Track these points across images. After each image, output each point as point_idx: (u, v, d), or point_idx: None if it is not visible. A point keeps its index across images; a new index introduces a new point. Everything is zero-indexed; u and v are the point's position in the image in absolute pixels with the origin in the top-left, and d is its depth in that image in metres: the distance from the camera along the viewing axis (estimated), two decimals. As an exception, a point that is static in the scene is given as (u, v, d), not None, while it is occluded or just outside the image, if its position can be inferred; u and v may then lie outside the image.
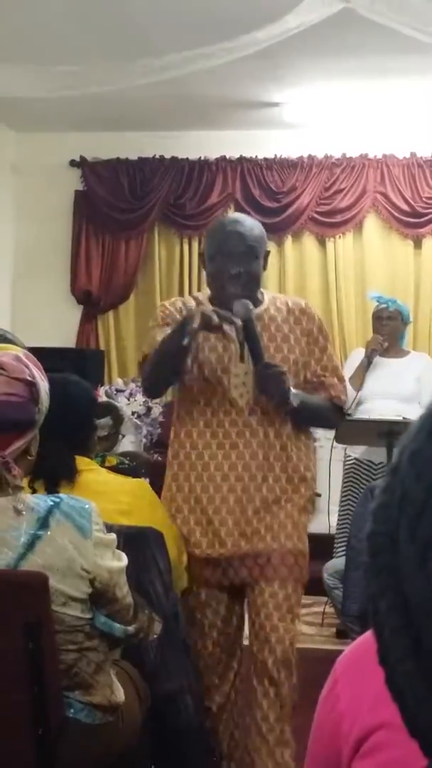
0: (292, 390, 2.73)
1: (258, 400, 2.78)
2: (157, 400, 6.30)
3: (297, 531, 2.82)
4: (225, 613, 2.88)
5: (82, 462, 2.58)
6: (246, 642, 2.95)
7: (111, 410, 3.22)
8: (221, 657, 2.88)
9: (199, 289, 7.05)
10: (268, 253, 2.89)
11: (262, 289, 2.92)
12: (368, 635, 0.97)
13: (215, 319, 2.57)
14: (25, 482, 2.39)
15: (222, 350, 2.81)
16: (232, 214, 3.09)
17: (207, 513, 2.79)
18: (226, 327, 2.68)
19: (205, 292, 2.97)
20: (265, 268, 2.87)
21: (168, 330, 2.74)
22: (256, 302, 2.83)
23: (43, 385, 2.10)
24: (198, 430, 2.82)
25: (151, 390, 2.99)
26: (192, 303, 2.91)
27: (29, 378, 2.05)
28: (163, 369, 2.77)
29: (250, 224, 2.85)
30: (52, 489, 2.46)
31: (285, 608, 2.76)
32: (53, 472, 2.49)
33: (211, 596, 2.86)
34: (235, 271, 2.74)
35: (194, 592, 2.85)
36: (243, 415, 2.79)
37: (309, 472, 2.87)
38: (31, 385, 2.05)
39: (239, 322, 2.68)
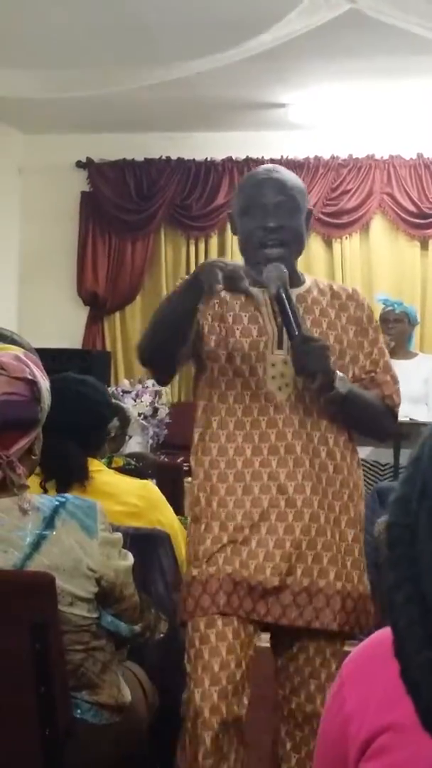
0: (338, 373, 2.24)
1: (301, 395, 2.28)
2: (164, 401, 6.31)
3: (358, 570, 2.30)
4: (236, 648, 2.23)
5: (91, 463, 2.59)
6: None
7: (117, 411, 3.20)
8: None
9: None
10: (310, 213, 2.38)
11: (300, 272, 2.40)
12: (375, 637, 0.97)
13: (242, 276, 2.13)
14: (36, 483, 2.39)
15: (257, 334, 2.30)
16: (266, 165, 2.53)
17: (242, 531, 2.24)
18: (256, 293, 2.28)
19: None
20: (308, 229, 2.36)
21: None
22: (296, 279, 2.34)
23: (44, 383, 2.09)
24: (227, 432, 2.29)
25: (151, 360, 2.37)
26: None
27: (30, 377, 2.04)
28: (165, 334, 2.28)
29: (288, 173, 2.36)
30: (63, 491, 2.46)
31: (326, 674, 2.24)
32: (67, 474, 2.50)
33: (229, 627, 2.23)
34: (274, 224, 2.26)
35: (211, 617, 2.23)
36: (283, 412, 2.27)
37: (362, 488, 2.38)
38: (32, 384, 2.04)
39: (273, 290, 2.22)
